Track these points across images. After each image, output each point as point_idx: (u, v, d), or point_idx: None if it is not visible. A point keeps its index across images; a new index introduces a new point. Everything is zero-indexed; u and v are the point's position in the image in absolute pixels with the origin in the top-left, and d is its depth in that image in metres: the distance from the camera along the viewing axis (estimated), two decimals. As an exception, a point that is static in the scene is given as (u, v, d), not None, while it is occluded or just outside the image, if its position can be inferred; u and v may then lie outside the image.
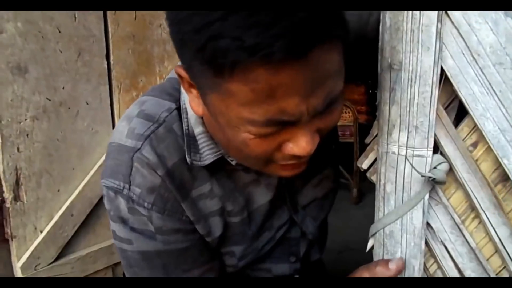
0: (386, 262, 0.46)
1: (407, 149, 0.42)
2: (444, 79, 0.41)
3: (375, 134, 0.48)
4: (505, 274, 0.44)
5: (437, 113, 0.41)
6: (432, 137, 0.42)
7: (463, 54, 0.39)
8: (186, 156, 0.46)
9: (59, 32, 1.02)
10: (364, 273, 0.47)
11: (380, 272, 0.45)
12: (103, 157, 1.14)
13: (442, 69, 0.40)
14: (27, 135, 1.01)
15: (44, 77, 1.02)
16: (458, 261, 0.45)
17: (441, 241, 0.45)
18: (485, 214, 0.42)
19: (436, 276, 0.47)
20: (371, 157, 0.49)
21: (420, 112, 0.41)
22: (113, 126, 1.18)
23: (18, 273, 1.03)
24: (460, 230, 0.44)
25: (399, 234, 0.45)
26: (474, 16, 0.38)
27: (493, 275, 0.44)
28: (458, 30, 0.39)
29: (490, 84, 0.39)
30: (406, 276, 0.46)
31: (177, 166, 0.46)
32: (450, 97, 0.43)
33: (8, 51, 0.95)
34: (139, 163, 0.45)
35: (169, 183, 0.46)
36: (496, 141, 0.40)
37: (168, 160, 0.46)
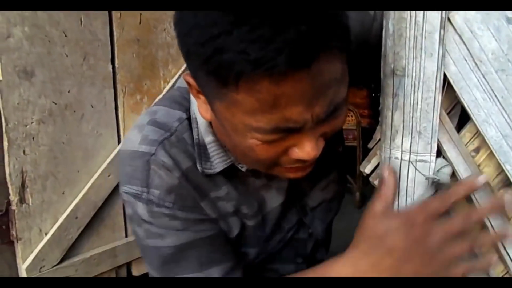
0: (379, 181, 0.43)
1: (410, 154, 0.43)
2: (446, 85, 0.41)
3: (378, 139, 0.48)
4: (508, 279, 0.44)
5: (440, 119, 0.42)
6: (436, 142, 0.42)
7: (466, 60, 0.40)
8: (197, 165, 0.47)
9: (65, 36, 1.04)
10: (366, 214, 0.43)
11: (385, 190, 0.42)
12: (108, 160, 1.16)
13: (445, 75, 0.41)
14: (33, 138, 1.02)
15: (50, 80, 1.03)
16: (461, 265, 0.45)
17: (444, 245, 0.45)
18: (488, 219, 0.43)
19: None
20: (374, 162, 0.49)
21: (423, 117, 0.41)
22: (118, 129, 1.19)
23: (23, 275, 1.04)
24: (463, 235, 0.44)
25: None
26: (477, 23, 0.39)
27: (494, 273, 0.44)
28: (460, 36, 0.39)
29: (492, 90, 0.40)
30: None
31: (191, 170, 0.47)
32: (453, 103, 0.43)
33: (15, 55, 0.96)
34: (155, 165, 0.46)
35: (186, 185, 0.47)
36: (499, 146, 0.41)
37: (182, 164, 0.47)
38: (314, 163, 0.43)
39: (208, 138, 0.47)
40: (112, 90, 1.16)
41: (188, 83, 0.41)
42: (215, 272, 0.49)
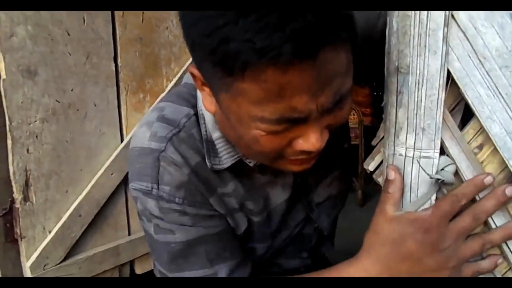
0: (386, 181, 0.43)
1: (414, 151, 0.43)
2: (450, 82, 0.41)
3: (381, 136, 0.48)
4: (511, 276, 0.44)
5: (442, 116, 0.42)
6: (439, 139, 0.43)
7: (470, 57, 0.40)
8: (206, 160, 0.47)
9: (68, 35, 1.04)
10: (379, 218, 0.43)
11: (393, 190, 0.42)
12: (111, 159, 1.16)
13: (448, 72, 0.41)
14: (37, 136, 1.02)
15: (54, 79, 1.03)
16: (464, 262, 0.45)
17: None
18: (491, 216, 0.43)
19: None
20: (377, 159, 0.50)
21: (427, 114, 0.41)
22: (120, 128, 1.19)
23: (27, 273, 1.04)
24: (467, 231, 0.44)
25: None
26: (480, 20, 0.39)
27: (499, 276, 0.44)
28: (464, 33, 0.39)
29: (496, 86, 0.40)
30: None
31: (200, 165, 0.48)
32: (456, 99, 0.43)
33: (18, 54, 0.96)
34: (165, 162, 0.46)
35: (195, 181, 0.47)
36: (503, 143, 0.41)
37: (191, 160, 0.47)
38: (319, 156, 0.43)
39: (215, 134, 0.48)
40: (115, 89, 1.16)
41: (193, 74, 0.41)
42: (223, 267, 0.49)
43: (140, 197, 0.48)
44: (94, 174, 1.14)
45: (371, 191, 2.36)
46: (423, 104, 0.41)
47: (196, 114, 0.49)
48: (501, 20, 0.38)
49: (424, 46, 0.40)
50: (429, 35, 0.39)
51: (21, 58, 0.97)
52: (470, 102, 0.41)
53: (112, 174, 1.17)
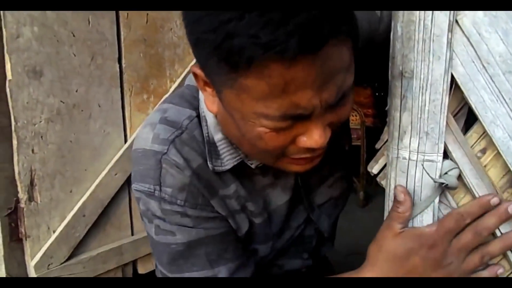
0: (396, 202, 0.43)
1: (418, 154, 0.43)
2: (454, 87, 0.42)
3: (385, 140, 0.49)
4: (513, 278, 0.45)
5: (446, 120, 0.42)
6: (442, 142, 0.43)
7: (473, 62, 0.40)
8: (208, 162, 0.48)
9: (73, 36, 1.05)
10: (386, 233, 0.43)
11: (402, 210, 0.42)
12: (115, 159, 1.17)
13: (452, 77, 0.41)
14: (42, 137, 1.03)
15: (59, 80, 1.04)
16: (467, 264, 0.46)
17: (451, 244, 0.46)
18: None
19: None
20: (381, 162, 0.50)
21: (431, 118, 0.42)
22: (124, 128, 1.20)
23: (32, 272, 1.05)
24: (470, 234, 0.45)
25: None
26: (484, 26, 0.39)
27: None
28: (468, 39, 0.40)
29: (500, 92, 0.40)
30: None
31: (202, 167, 0.48)
32: (460, 104, 0.44)
33: (24, 55, 0.97)
34: (167, 164, 0.47)
35: (196, 183, 0.48)
36: (506, 147, 0.41)
37: (193, 162, 0.48)
38: (321, 156, 0.44)
39: (217, 136, 0.48)
40: (119, 90, 1.17)
41: (195, 74, 0.41)
42: (223, 269, 0.50)
43: (142, 198, 0.49)
44: (98, 174, 1.15)
45: (373, 192, 2.36)
46: (427, 108, 0.42)
47: (198, 116, 0.49)
48: (505, 26, 0.39)
49: (428, 51, 0.40)
50: (433, 40, 0.40)
51: (27, 59, 0.98)
52: (473, 106, 0.41)
53: (116, 174, 1.17)
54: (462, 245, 0.42)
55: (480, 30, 0.39)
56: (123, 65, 1.16)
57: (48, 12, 0.99)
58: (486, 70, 0.40)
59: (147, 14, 1.18)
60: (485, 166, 0.44)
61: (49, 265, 1.07)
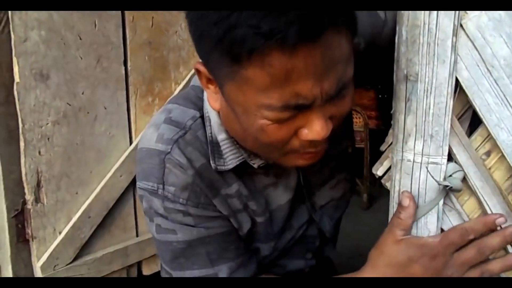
0: (399, 207, 0.44)
1: (422, 157, 0.44)
2: (458, 90, 0.42)
3: (390, 142, 0.49)
4: (518, 280, 0.45)
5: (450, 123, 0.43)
6: (447, 145, 0.43)
7: (478, 66, 0.41)
8: (211, 161, 0.49)
9: (80, 39, 1.06)
10: (387, 238, 0.44)
11: (404, 217, 0.43)
12: (120, 161, 1.18)
13: (456, 80, 0.42)
14: (48, 139, 1.04)
15: (65, 83, 1.05)
16: (472, 266, 0.46)
17: (455, 246, 0.46)
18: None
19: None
20: (386, 164, 0.50)
21: (435, 121, 0.42)
22: (130, 131, 1.21)
23: (38, 273, 1.06)
24: (474, 236, 0.45)
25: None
26: (489, 30, 0.40)
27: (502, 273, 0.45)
28: (473, 43, 0.40)
29: (504, 95, 0.41)
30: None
31: (204, 167, 0.49)
32: (464, 107, 0.44)
33: (32, 58, 0.99)
34: (170, 164, 0.48)
35: (199, 182, 0.49)
36: (510, 150, 0.42)
37: (196, 162, 0.48)
38: (323, 151, 0.44)
39: (221, 136, 0.49)
40: (125, 92, 1.18)
41: (198, 71, 0.42)
42: (224, 268, 0.51)
43: (145, 196, 0.50)
44: (104, 176, 1.16)
45: (376, 194, 2.36)
46: (431, 111, 0.42)
47: (202, 116, 0.50)
48: (509, 30, 0.39)
49: (433, 55, 0.40)
50: (438, 44, 0.40)
51: (34, 62, 0.99)
52: (478, 109, 0.42)
53: (121, 176, 1.18)
54: (464, 259, 0.42)
55: (484, 34, 0.40)
56: (129, 68, 1.17)
57: (55, 16, 1.00)
58: (490, 73, 0.41)
59: (152, 17, 1.20)
60: (489, 168, 0.44)
61: (55, 266, 1.08)
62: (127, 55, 1.16)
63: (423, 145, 0.44)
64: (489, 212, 0.44)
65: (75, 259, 1.12)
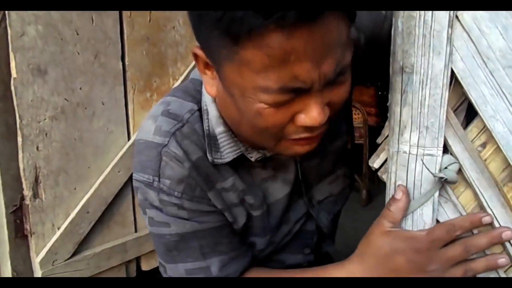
0: (391, 199, 0.44)
1: (418, 149, 0.44)
2: (454, 82, 0.42)
3: (386, 134, 0.49)
4: (514, 272, 0.45)
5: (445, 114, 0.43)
6: (442, 137, 0.43)
7: (473, 57, 0.41)
8: (208, 155, 0.49)
9: (77, 34, 1.06)
10: (374, 229, 0.44)
11: (394, 210, 0.43)
12: (118, 156, 1.18)
13: (452, 72, 0.42)
14: (46, 134, 1.04)
15: (63, 78, 1.05)
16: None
17: (451, 238, 0.46)
18: (493, 212, 0.44)
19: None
20: (382, 157, 0.50)
21: (430, 113, 0.42)
22: (128, 126, 1.21)
23: (37, 269, 1.06)
24: (470, 228, 0.45)
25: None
26: (484, 21, 0.40)
27: (501, 272, 0.45)
28: (468, 34, 0.40)
29: (500, 86, 0.41)
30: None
31: (201, 160, 0.49)
32: (460, 99, 0.44)
33: (29, 53, 0.98)
34: (167, 157, 0.48)
35: (195, 175, 0.49)
36: (506, 142, 0.42)
37: (192, 155, 0.49)
38: (319, 137, 0.44)
39: (219, 129, 0.49)
40: (122, 88, 1.18)
41: (196, 56, 0.42)
42: (216, 261, 0.51)
43: (141, 187, 0.50)
44: (102, 172, 1.16)
45: (376, 191, 2.36)
46: (427, 103, 0.42)
47: (200, 109, 0.50)
48: (505, 22, 0.39)
49: (428, 46, 0.40)
50: (433, 35, 0.40)
51: (32, 57, 0.99)
52: (473, 101, 0.42)
53: (119, 171, 1.18)
54: (449, 256, 0.43)
55: (480, 26, 0.40)
56: (126, 64, 1.17)
57: (52, 11, 1.00)
58: (486, 65, 0.40)
59: (150, 13, 1.19)
60: (485, 160, 0.44)
61: (54, 261, 1.08)
62: (125, 51, 1.16)
63: (419, 137, 0.44)
64: (484, 204, 0.44)
65: (74, 254, 1.12)
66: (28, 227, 1.05)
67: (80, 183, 1.13)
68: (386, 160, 0.50)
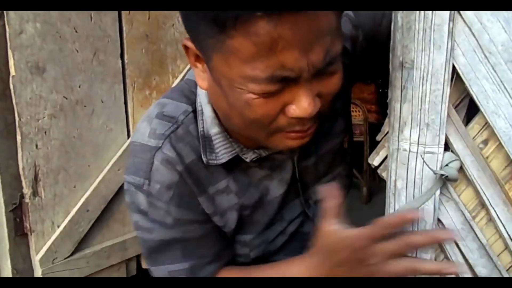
0: (328, 197, 0.45)
1: (418, 146, 0.43)
2: (455, 78, 0.41)
3: (386, 131, 0.48)
4: (516, 270, 0.45)
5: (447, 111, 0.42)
6: (443, 134, 0.43)
7: (475, 52, 0.40)
8: (202, 156, 0.49)
9: (76, 32, 1.05)
10: (321, 225, 0.46)
11: (333, 206, 0.45)
12: (118, 155, 1.18)
13: (453, 68, 0.41)
14: (45, 132, 1.04)
15: (62, 76, 1.05)
16: (468, 256, 0.45)
17: (452, 237, 0.45)
18: (495, 210, 0.43)
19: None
20: (382, 154, 0.50)
21: (431, 109, 0.42)
22: (127, 124, 1.21)
23: (37, 267, 1.06)
24: (471, 226, 0.45)
25: (410, 230, 0.46)
26: (486, 14, 0.39)
27: (503, 270, 0.45)
28: (470, 28, 0.39)
29: (501, 81, 0.40)
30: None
31: (194, 163, 0.49)
32: (461, 95, 0.43)
33: (27, 51, 0.98)
34: (159, 161, 0.48)
35: (187, 178, 0.48)
36: (508, 138, 0.41)
37: (186, 158, 0.48)
38: (311, 131, 0.43)
39: (214, 130, 0.49)
40: (122, 86, 1.17)
41: (186, 48, 0.42)
42: (196, 262, 0.52)
43: (130, 190, 0.50)
44: (102, 170, 1.16)
45: (376, 188, 2.35)
46: (427, 99, 0.41)
47: (194, 111, 0.50)
48: (507, 15, 0.38)
49: (429, 41, 0.40)
50: (434, 29, 0.39)
51: (30, 55, 0.99)
52: (475, 97, 0.41)
53: (119, 170, 1.18)
54: (387, 250, 0.43)
55: (481, 19, 0.39)
56: (126, 61, 1.17)
57: (50, 8, 0.99)
58: (488, 59, 0.40)
59: (149, 11, 1.19)
60: (487, 157, 0.43)
61: (53, 259, 1.08)
62: (124, 49, 1.16)
63: (419, 134, 0.43)
64: (486, 202, 0.43)
65: (73, 252, 1.12)
66: (28, 226, 1.05)
67: (79, 181, 1.13)
68: (386, 158, 0.49)
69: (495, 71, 0.40)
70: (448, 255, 0.47)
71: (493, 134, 0.42)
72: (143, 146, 0.49)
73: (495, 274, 0.45)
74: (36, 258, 1.06)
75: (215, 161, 0.49)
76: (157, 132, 0.48)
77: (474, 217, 0.45)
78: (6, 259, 1.05)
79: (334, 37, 0.37)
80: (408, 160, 0.44)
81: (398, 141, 0.44)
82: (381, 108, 2.47)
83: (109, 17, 1.11)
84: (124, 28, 1.14)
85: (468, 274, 0.46)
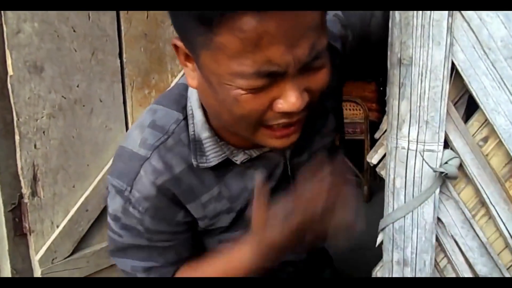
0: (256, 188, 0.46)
1: (417, 144, 0.43)
2: (454, 74, 0.41)
3: (384, 129, 0.48)
4: (516, 269, 0.44)
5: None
6: (443, 131, 0.42)
7: (474, 48, 0.39)
8: (192, 160, 0.49)
9: (74, 31, 1.05)
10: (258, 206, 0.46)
11: (262, 194, 0.46)
12: (116, 154, 1.17)
13: (452, 64, 0.40)
14: (44, 132, 1.03)
15: (60, 75, 1.04)
16: (468, 255, 0.45)
17: (452, 235, 0.45)
18: (495, 209, 0.42)
19: (446, 270, 0.47)
20: (380, 152, 0.49)
21: (430, 106, 0.41)
22: (126, 123, 1.20)
23: (36, 267, 1.06)
24: (471, 225, 0.44)
25: (410, 229, 0.46)
26: (485, 10, 0.38)
27: (504, 269, 0.44)
28: (469, 24, 0.39)
29: (501, 78, 0.39)
30: (417, 270, 0.46)
31: (185, 172, 0.50)
32: (460, 92, 0.43)
33: (25, 50, 0.97)
34: (145, 171, 0.49)
35: (172, 190, 0.49)
36: (508, 135, 0.40)
37: (175, 168, 0.49)
38: (299, 128, 0.44)
39: (204, 134, 0.50)
40: (120, 85, 1.17)
41: (176, 47, 0.43)
42: (161, 260, 0.53)
43: (111, 192, 0.51)
44: (101, 169, 1.16)
45: (377, 187, 2.34)
46: (426, 96, 0.41)
47: (185, 117, 0.51)
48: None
49: (427, 37, 0.39)
50: (432, 25, 0.39)
51: (28, 55, 0.98)
52: (474, 94, 0.40)
53: (118, 169, 1.18)
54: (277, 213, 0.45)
55: (481, 15, 0.38)
56: (124, 60, 1.16)
57: (48, 7, 0.99)
58: (487, 56, 0.39)
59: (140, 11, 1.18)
60: (486, 155, 0.43)
61: (53, 259, 1.08)
62: (123, 47, 1.15)
63: (418, 132, 0.42)
64: (486, 200, 0.43)
65: (73, 252, 1.12)
66: (27, 225, 1.04)
67: (79, 181, 1.12)
68: (384, 156, 0.48)
69: (494, 67, 0.39)
70: (448, 254, 0.46)
71: (493, 131, 0.41)
72: (133, 154, 0.50)
73: (496, 273, 0.45)
74: (36, 258, 1.05)
75: (205, 164, 0.50)
76: (148, 142, 0.50)
77: (474, 216, 0.44)
78: (6, 259, 1.05)
79: (319, 32, 0.37)
80: (407, 158, 0.44)
81: (397, 139, 0.44)
82: (381, 107, 2.46)
83: (107, 16, 1.10)
84: (122, 27, 1.14)
85: (468, 273, 0.46)
